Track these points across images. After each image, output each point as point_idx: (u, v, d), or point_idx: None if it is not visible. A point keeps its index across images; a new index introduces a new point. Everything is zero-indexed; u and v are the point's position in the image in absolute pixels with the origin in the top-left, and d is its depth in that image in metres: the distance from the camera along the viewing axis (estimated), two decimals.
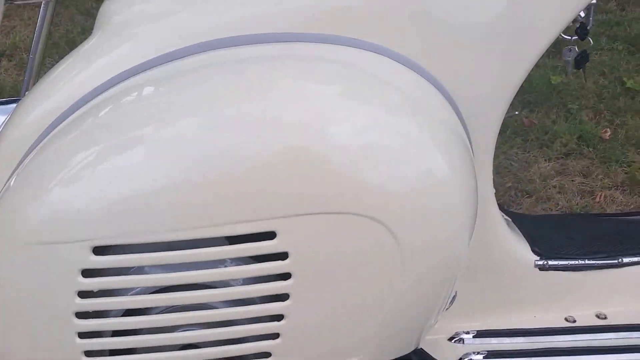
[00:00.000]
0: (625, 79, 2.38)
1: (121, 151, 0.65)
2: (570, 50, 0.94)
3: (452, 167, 0.71)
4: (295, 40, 0.72)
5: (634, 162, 2.00)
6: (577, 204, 1.86)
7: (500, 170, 2.01)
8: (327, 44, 0.73)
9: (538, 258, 0.91)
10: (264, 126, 0.64)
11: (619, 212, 1.31)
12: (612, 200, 1.88)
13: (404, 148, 0.68)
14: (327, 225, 0.63)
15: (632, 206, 1.86)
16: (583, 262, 0.91)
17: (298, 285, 0.64)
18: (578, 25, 0.90)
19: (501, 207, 1.05)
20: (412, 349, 0.80)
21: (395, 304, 0.68)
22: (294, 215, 0.62)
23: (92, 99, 0.72)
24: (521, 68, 0.82)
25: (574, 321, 0.91)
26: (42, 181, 0.66)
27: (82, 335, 0.63)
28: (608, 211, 1.85)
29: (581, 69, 0.97)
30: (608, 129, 2.12)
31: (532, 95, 2.33)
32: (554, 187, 1.93)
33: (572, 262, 0.91)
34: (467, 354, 0.87)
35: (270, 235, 0.63)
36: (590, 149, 2.05)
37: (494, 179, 1.98)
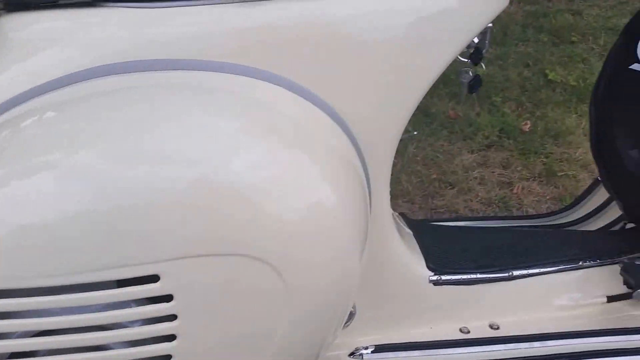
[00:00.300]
0: (547, 71, 2.46)
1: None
2: (465, 72, 0.96)
3: (340, 198, 0.71)
4: (183, 68, 0.72)
5: (551, 153, 2.09)
6: (496, 195, 1.93)
7: (426, 162, 2.07)
8: (213, 71, 0.73)
9: (432, 274, 0.94)
10: (143, 164, 0.64)
11: (520, 215, 1.35)
12: (529, 191, 1.96)
13: (289, 183, 0.68)
14: (211, 267, 0.64)
15: (547, 197, 1.95)
16: (475, 276, 0.96)
17: (184, 326, 0.64)
18: (472, 50, 0.93)
19: (405, 217, 1.09)
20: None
21: (286, 334, 0.69)
22: (176, 258, 0.63)
23: None
24: (415, 92, 0.83)
25: (468, 332, 0.96)
26: None
27: None
28: (525, 202, 1.93)
29: (474, 93, 1.00)
30: (528, 122, 2.20)
31: (458, 87, 2.39)
32: (475, 178, 1.99)
33: (465, 276, 0.96)
34: None
35: (154, 278, 0.64)
36: (511, 141, 2.12)
37: (419, 171, 2.05)
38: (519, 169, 2.03)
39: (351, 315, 0.89)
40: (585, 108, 2.34)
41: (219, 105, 0.71)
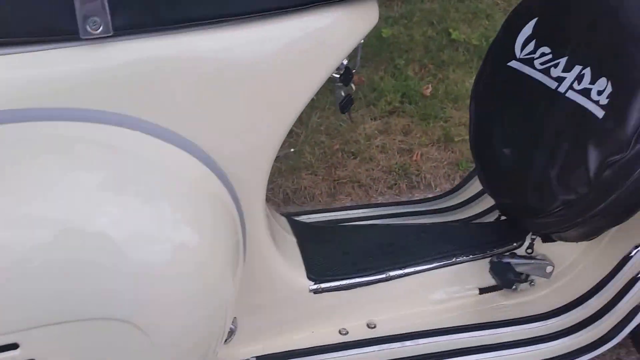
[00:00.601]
0: (451, 30, 2.50)
1: None
2: (338, 90, 0.97)
3: (206, 245, 0.72)
4: (26, 119, 0.68)
5: (450, 117, 2.15)
6: (397, 163, 2.00)
7: (329, 132, 2.09)
8: (69, 120, 0.70)
9: (312, 283, 0.99)
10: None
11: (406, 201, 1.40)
12: (427, 157, 2.03)
13: (148, 240, 0.68)
14: (72, 331, 0.64)
15: (445, 162, 2.03)
16: (354, 280, 1.01)
17: None
18: (342, 71, 0.94)
19: (291, 220, 1.12)
20: None
21: None
22: (34, 327, 0.64)
23: None
24: (285, 118, 0.83)
25: (347, 333, 1.02)
26: None
27: None
28: (424, 168, 2.01)
29: (346, 113, 1.02)
30: (430, 86, 2.25)
31: (363, 50, 2.40)
32: (377, 147, 2.05)
33: (345, 282, 1.01)
34: None
35: (14, 346, 0.65)
36: (412, 106, 2.17)
37: (323, 142, 2.08)
38: (418, 135, 2.09)
39: (232, 332, 0.92)
40: None
41: (66, 157, 0.69)
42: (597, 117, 0.88)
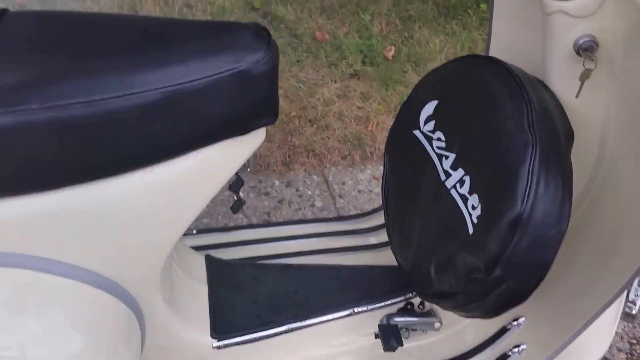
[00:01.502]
0: None
1: None
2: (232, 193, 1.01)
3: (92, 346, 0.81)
4: None
5: (411, 82, 2.15)
6: (352, 132, 2.03)
7: (289, 95, 2.10)
8: None
9: (215, 340, 1.06)
10: None
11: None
12: (383, 127, 2.06)
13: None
14: None
15: None
16: (257, 335, 1.07)
17: None
18: (232, 181, 0.97)
19: (210, 261, 1.18)
20: None
21: None
22: None
23: None
24: (174, 232, 0.89)
25: None
26: None
27: None
28: (379, 138, 2.04)
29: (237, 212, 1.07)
30: (393, 47, 2.21)
31: (329, 0, 2.33)
32: (335, 113, 2.07)
33: (247, 336, 1.07)
34: None
35: None
36: (374, 69, 2.16)
37: (282, 107, 2.08)
38: (377, 102, 2.10)
39: None
40: (454, 27, 2.35)
41: None
42: (468, 231, 0.87)
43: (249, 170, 1.03)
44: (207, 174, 0.86)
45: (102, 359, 0.84)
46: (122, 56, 0.77)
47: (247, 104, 0.83)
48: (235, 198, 1.02)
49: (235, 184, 0.98)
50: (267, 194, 1.90)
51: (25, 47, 0.78)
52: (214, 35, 0.83)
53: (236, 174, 0.97)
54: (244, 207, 1.89)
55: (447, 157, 0.94)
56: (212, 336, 1.06)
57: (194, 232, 1.31)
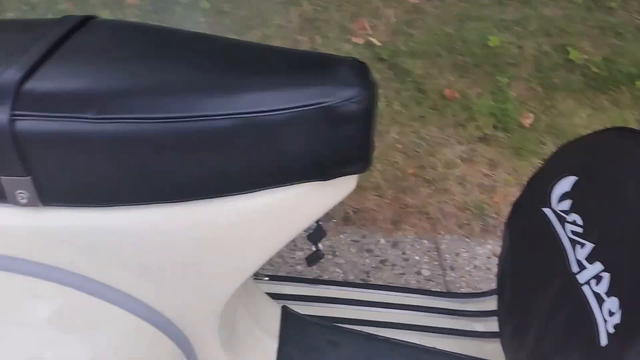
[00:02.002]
0: (570, 47, 2.19)
1: None
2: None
3: None
4: None
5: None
6: (473, 201, 1.80)
7: (407, 151, 1.92)
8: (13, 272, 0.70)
9: None
10: None
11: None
12: (510, 200, 1.82)
13: None
14: None
15: None
16: None
17: None
18: (313, 230, 0.84)
19: (287, 315, 1.03)
20: None
21: None
22: None
23: None
24: (231, 283, 0.78)
25: None
26: None
27: None
28: (504, 212, 1.80)
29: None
30: (531, 114, 1.99)
31: (463, 57, 2.16)
32: (456, 177, 1.85)
33: None
34: None
35: None
36: (506, 136, 1.94)
37: (397, 163, 1.90)
38: (507, 171, 1.87)
39: None
40: (603, 102, 2.10)
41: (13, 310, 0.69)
42: (599, 341, 0.70)
43: (334, 221, 0.89)
44: (281, 216, 0.75)
45: None
46: (198, 76, 0.70)
47: (332, 145, 0.71)
48: (314, 249, 0.89)
49: (315, 233, 0.86)
50: (369, 251, 1.69)
51: (102, 55, 0.73)
52: (305, 64, 0.73)
53: (318, 222, 0.85)
54: (340, 262, 1.69)
55: (582, 246, 0.78)
56: None
57: (266, 278, 1.16)
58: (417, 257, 1.69)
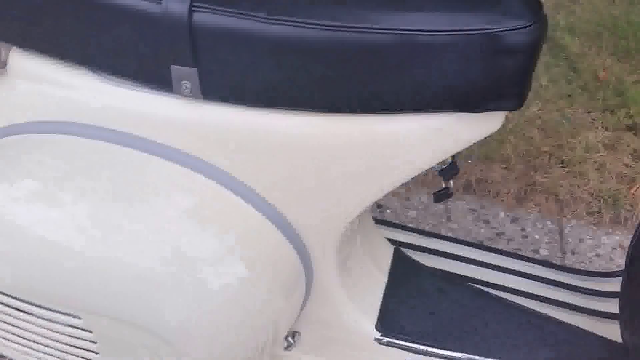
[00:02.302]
0: None
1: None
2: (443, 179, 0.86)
3: (254, 286, 0.75)
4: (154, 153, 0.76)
5: None
6: (609, 190, 1.72)
7: (545, 128, 1.86)
8: (159, 156, 0.76)
9: (378, 334, 0.93)
10: (83, 226, 0.71)
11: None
12: None
13: (200, 271, 0.73)
14: (115, 325, 0.73)
15: None
16: (425, 348, 0.92)
17: (102, 348, 0.77)
18: (446, 165, 0.82)
19: (399, 257, 1.05)
20: None
21: None
22: (92, 312, 0.73)
23: None
24: (361, 202, 0.79)
25: None
26: None
27: None
28: (638, 207, 1.71)
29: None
30: None
31: (627, 42, 2.01)
32: (595, 162, 1.77)
33: (414, 345, 0.92)
34: None
35: (77, 316, 0.76)
36: None
37: (532, 138, 1.86)
38: None
39: (290, 345, 0.95)
40: None
41: (156, 186, 0.76)
42: None
43: (469, 161, 0.88)
44: (420, 144, 0.74)
45: (260, 301, 0.77)
46: None
47: (488, 76, 0.68)
48: (444, 185, 0.87)
49: (448, 169, 0.83)
50: (486, 222, 1.70)
51: None
52: None
53: (452, 157, 0.82)
54: (454, 227, 1.71)
55: None
56: (376, 328, 0.92)
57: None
58: (536, 236, 1.67)
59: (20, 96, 0.80)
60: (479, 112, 0.72)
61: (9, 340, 0.83)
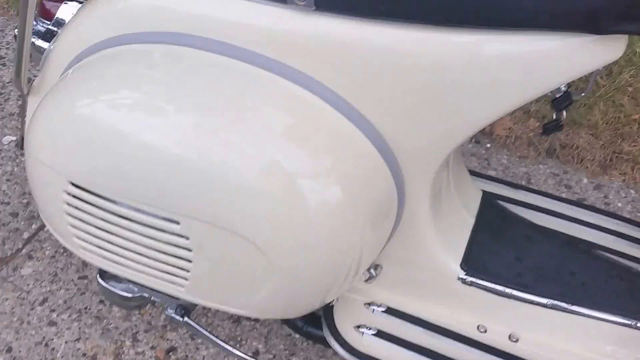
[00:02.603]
0: None
1: (105, 109, 0.79)
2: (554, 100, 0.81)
3: (344, 195, 0.75)
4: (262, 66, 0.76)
5: None
6: None
7: (636, 96, 1.78)
8: (272, 72, 0.77)
9: (463, 273, 0.92)
10: (185, 132, 0.73)
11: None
12: None
13: (292, 177, 0.74)
14: (212, 231, 0.75)
15: None
16: (510, 291, 0.91)
17: (196, 257, 0.80)
18: (560, 94, 0.78)
19: (487, 201, 1.04)
20: (312, 310, 0.90)
21: (273, 289, 0.80)
22: (190, 217, 0.75)
23: (113, 46, 0.82)
24: (466, 129, 0.77)
25: (485, 331, 0.93)
26: (54, 108, 0.84)
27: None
28: None
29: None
30: None
31: None
32: None
33: (500, 287, 0.91)
34: (362, 325, 0.95)
35: (176, 222, 0.78)
36: None
37: (622, 106, 1.78)
38: None
39: (371, 277, 0.95)
40: None
41: (261, 98, 0.76)
42: None
43: (582, 95, 0.83)
44: (536, 66, 0.70)
45: (351, 224, 0.78)
46: None
47: None
48: (554, 117, 0.83)
49: (563, 98, 0.80)
50: (568, 187, 1.65)
51: None
52: None
53: (567, 86, 0.79)
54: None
55: None
56: (461, 267, 0.91)
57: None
58: (619, 204, 1.61)
59: (131, 7, 0.82)
60: (602, 34, 0.68)
61: (108, 251, 0.87)
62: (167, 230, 0.80)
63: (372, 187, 0.79)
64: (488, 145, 1.80)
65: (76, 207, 0.84)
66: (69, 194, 0.83)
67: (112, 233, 0.85)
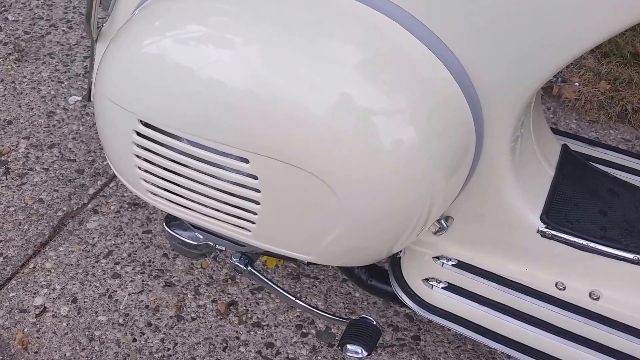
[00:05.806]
0: None
1: (173, 45, 0.78)
2: None
3: (418, 137, 0.72)
4: None
5: None
6: None
7: None
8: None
9: (543, 225, 0.86)
10: (263, 68, 0.71)
11: None
12: None
13: (366, 118, 0.71)
14: (282, 169, 0.73)
15: None
16: (593, 245, 0.85)
17: (264, 198, 0.78)
18: None
19: (566, 155, 0.97)
20: (379, 260, 0.88)
21: (341, 234, 0.78)
22: (260, 154, 0.72)
23: None
24: (553, 63, 0.72)
25: (563, 289, 0.89)
26: (123, 47, 0.82)
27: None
28: None
29: None
30: None
31: None
32: None
33: (582, 241, 0.85)
34: (431, 278, 0.92)
35: (246, 160, 0.77)
36: None
37: None
38: None
39: (442, 229, 0.91)
40: None
41: (334, 28, 0.73)
42: None
43: None
44: None
45: (426, 166, 0.74)
46: None
47: None
48: None
49: None
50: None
51: None
52: None
53: None
54: None
55: None
56: (541, 219, 0.87)
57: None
58: None
59: None
60: None
61: (175, 194, 0.87)
62: (236, 170, 0.78)
63: (450, 129, 0.75)
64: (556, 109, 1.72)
65: (145, 148, 0.83)
66: (138, 133, 0.82)
67: (180, 175, 0.84)
